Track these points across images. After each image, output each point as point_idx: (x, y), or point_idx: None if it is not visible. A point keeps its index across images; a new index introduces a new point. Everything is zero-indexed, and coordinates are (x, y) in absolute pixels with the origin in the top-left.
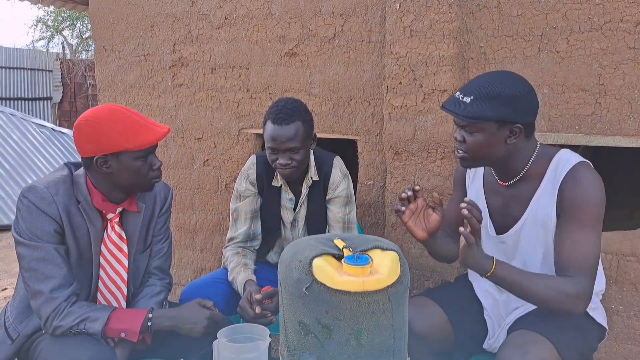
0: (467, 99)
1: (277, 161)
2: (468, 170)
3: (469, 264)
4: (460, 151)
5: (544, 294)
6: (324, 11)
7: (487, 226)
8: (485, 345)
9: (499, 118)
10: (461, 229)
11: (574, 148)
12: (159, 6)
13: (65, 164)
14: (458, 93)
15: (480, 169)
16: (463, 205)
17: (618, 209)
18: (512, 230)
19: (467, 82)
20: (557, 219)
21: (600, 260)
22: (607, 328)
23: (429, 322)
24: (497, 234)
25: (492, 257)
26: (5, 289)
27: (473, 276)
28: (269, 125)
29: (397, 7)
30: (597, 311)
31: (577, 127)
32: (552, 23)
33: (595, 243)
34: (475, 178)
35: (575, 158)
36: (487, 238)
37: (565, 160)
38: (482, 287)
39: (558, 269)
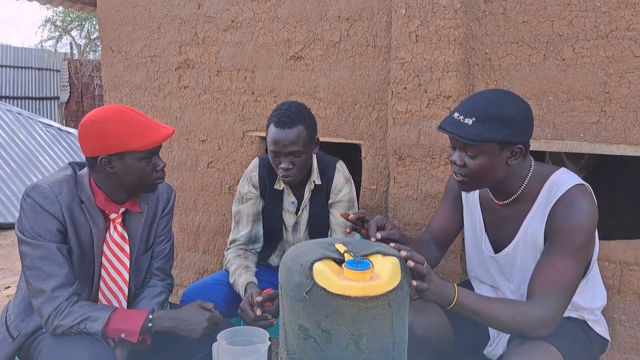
0: (469, 121)
1: (279, 165)
2: None
3: (433, 301)
4: (459, 175)
5: (507, 321)
6: (330, 15)
7: (482, 243)
8: (485, 352)
9: (502, 140)
10: (413, 282)
11: (579, 156)
12: (166, 8)
13: (69, 163)
14: (456, 114)
15: None
16: (403, 254)
17: (623, 217)
18: (506, 251)
19: (462, 102)
20: (544, 243)
21: (598, 273)
22: (609, 340)
23: (430, 325)
24: (495, 252)
25: (453, 284)
26: (8, 287)
27: (475, 282)
28: (272, 128)
29: (403, 13)
30: (598, 324)
31: (581, 135)
32: (558, 30)
33: (574, 270)
34: (472, 192)
35: (571, 181)
36: (481, 255)
37: (560, 183)
38: (484, 292)
39: (529, 290)
